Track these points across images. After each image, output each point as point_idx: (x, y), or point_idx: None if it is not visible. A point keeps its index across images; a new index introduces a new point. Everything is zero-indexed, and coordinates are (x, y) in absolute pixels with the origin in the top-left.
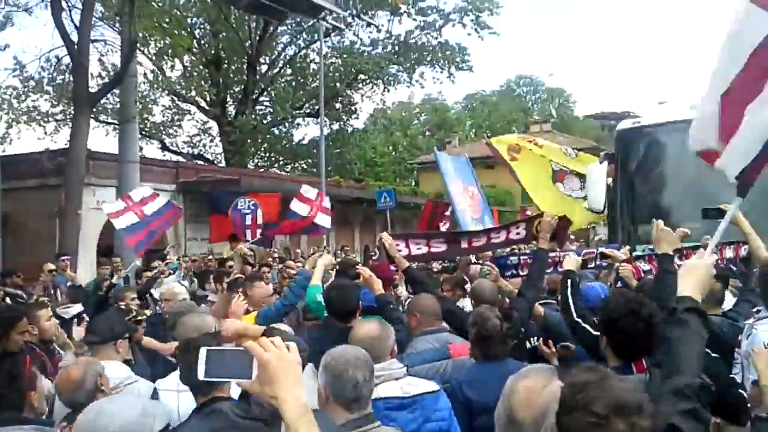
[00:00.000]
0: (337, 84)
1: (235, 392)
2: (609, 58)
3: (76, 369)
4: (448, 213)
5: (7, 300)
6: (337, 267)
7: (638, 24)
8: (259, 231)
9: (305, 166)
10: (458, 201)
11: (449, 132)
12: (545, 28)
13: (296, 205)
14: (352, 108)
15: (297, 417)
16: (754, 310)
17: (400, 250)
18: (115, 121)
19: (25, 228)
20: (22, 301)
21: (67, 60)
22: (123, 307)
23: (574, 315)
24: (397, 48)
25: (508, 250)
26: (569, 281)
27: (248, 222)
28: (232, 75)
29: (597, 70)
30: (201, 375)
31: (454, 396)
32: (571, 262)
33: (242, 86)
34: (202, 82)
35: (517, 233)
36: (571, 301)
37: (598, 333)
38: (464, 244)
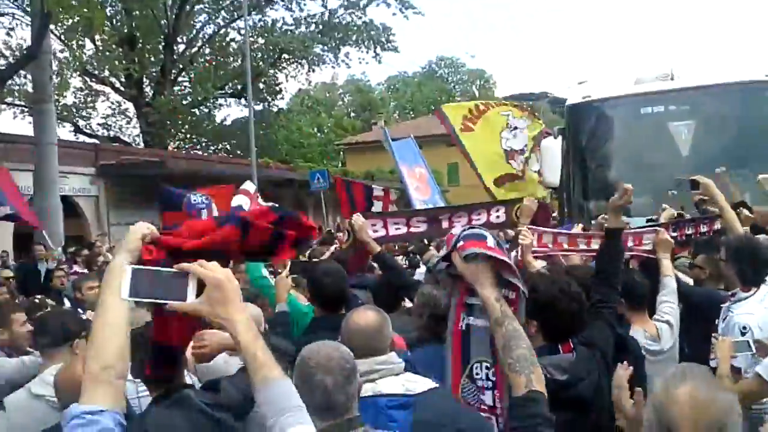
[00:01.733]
0: (261, 63)
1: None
2: (527, 39)
3: None
4: (378, 194)
5: None
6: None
7: (554, 5)
8: None
9: (229, 148)
10: (408, 182)
11: (374, 113)
12: (465, 8)
13: (239, 200)
14: (277, 88)
15: (253, 339)
16: (730, 293)
17: (376, 231)
18: (23, 103)
19: None
20: None
21: None
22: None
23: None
24: (321, 27)
25: None
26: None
27: (204, 218)
28: (148, 54)
29: (515, 52)
30: (125, 294)
31: None
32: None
33: (159, 66)
34: (116, 62)
35: (497, 216)
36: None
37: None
38: (445, 224)
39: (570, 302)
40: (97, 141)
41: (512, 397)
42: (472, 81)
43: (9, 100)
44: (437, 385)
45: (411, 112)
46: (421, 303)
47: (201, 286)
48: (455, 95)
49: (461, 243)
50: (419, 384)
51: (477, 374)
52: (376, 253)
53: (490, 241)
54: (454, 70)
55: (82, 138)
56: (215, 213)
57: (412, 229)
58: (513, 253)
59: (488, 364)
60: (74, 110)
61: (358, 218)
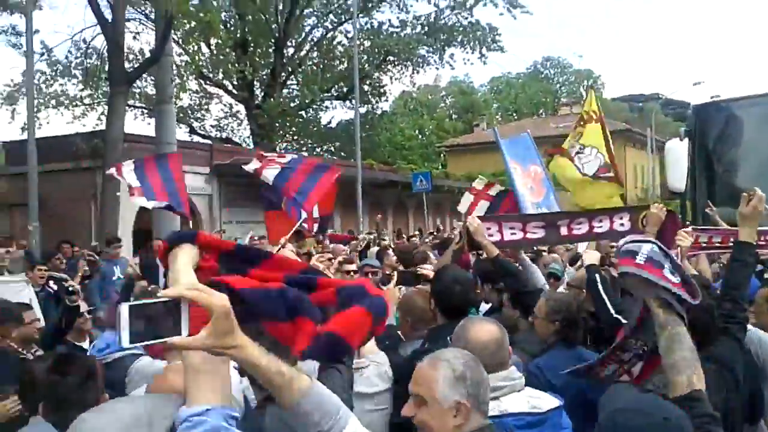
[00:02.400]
0: (366, 66)
1: None
2: (637, 39)
3: None
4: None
5: (51, 283)
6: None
7: (666, 5)
8: (316, 224)
9: (333, 150)
10: (518, 184)
11: (476, 115)
12: (573, 8)
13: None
14: (381, 90)
15: (268, 357)
16: None
17: (491, 235)
18: (144, 105)
19: (60, 212)
20: (65, 284)
21: (96, 43)
22: None
23: (612, 312)
24: (426, 29)
25: None
26: (597, 276)
27: (303, 215)
28: (258, 58)
29: (625, 52)
30: (126, 343)
31: None
32: (592, 256)
33: (269, 69)
34: (229, 65)
35: (621, 224)
36: (605, 297)
37: None
38: (564, 231)
39: (702, 314)
40: (210, 142)
41: (673, 398)
42: (580, 82)
43: (131, 102)
44: (561, 403)
45: (514, 114)
46: (554, 309)
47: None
48: (561, 96)
49: (619, 258)
50: (544, 401)
51: None
52: (494, 257)
53: (640, 257)
54: (561, 71)
55: (196, 139)
56: (316, 213)
57: (528, 235)
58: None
59: None
60: (189, 112)
61: (474, 220)
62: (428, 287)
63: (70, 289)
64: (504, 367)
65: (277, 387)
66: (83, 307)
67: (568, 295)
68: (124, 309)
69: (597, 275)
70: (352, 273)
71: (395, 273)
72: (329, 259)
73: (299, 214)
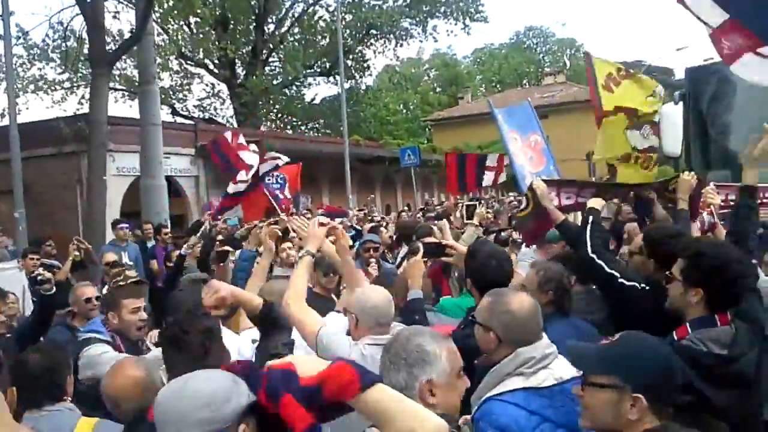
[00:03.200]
0: (349, 40)
1: None
2: (619, 6)
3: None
4: (491, 164)
5: (41, 270)
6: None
7: None
8: (291, 205)
9: (318, 127)
10: (516, 155)
11: (460, 87)
12: None
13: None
14: (365, 65)
15: None
16: None
17: (551, 200)
18: (125, 88)
19: (46, 197)
20: (59, 269)
21: (74, 24)
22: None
23: (589, 250)
24: (408, 1)
25: None
26: (590, 217)
27: (280, 197)
28: (239, 35)
29: (608, 19)
30: None
31: None
32: (596, 201)
33: (251, 47)
34: (210, 44)
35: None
36: (588, 236)
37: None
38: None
39: (738, 267)
40: (193, 122)
41: None
42: (562, 51)
43: (112, 84)
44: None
45: (498, 86)
46: (546, 278)
47: None
48: (545, 66)
49: None
50: (570, 368)
51: None
52: (561, 221)
53: None
54: (543, 40)
55: (178, 120)
56: (288, 193)
57: (579, 200)
58: (706, 217)
59: None
60: (171, 93)
61: (539, 182)
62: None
63: (40, 278)
64: (542, 335)
65: None
66: (92, 293)
67: (557, 264)
68: None
69: (590, 216)
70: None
71: (420, 245)
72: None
73: (277, 194)
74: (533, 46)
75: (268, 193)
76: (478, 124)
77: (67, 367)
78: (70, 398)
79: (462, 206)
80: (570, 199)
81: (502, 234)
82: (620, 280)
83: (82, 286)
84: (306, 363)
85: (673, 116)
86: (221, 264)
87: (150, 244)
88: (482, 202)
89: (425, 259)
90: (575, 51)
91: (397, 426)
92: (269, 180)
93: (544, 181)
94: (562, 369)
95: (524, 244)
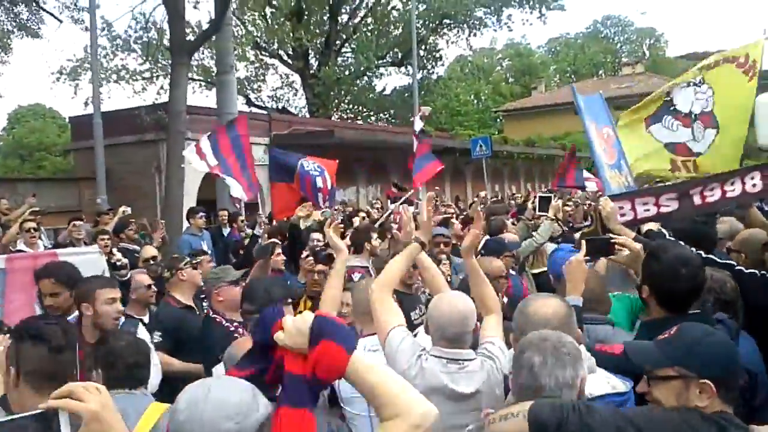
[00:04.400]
0: (422, 30)
1: None
2: None
3: None
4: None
5: (119, 255)
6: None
7: None
8: (328, 196)
9: (388, 117)
10: (596, 143)
11: (534, 78)
12: None
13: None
14: (437, 55)
15: None
16: None
17: (623, 215)
18: (201, 78)
19: (126, 184)
20: (137, 256)
21: (155, 15)
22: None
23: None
24: None
25: None
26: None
27: (319, 184)
28: (313, 26)
29: (689, 7)
30: None
31: None
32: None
33: (324, 37)
34: (285, 35)
35: (753, 185)
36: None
37: None
38: (697, 200)
39: None
40: (266, 112)
41: None
42: (641, 40)
43: (189, 74)
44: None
45: (572, 76)
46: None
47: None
48: (622, 56)
49: None
50: (617, 381)
51: None
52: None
53: None
54: (621, 29)
55: (253, 110)
56: (329, 182)
57: (662, 209)
58: None
59: None
60: (246, 83)
61: (606, 203)
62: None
63: (118, 263)
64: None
65: None
66: (146, 281)
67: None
68: None
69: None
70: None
71: (583, 242)
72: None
73: (315, 181)
74: (611, 35)
75: (302, 182)
76: (551, 115)
77: (146, 353)
78: (146, 385)
79: (535, 198)
80: (648, 210)
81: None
82: (738, 267)
83: (139, 272)
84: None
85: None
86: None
87: (225, 231)
88: (557, 194)
89: (588, 259)
90: (654, 41)
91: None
92: (307, 166)
93: (615, 197)
94: (594, 385)
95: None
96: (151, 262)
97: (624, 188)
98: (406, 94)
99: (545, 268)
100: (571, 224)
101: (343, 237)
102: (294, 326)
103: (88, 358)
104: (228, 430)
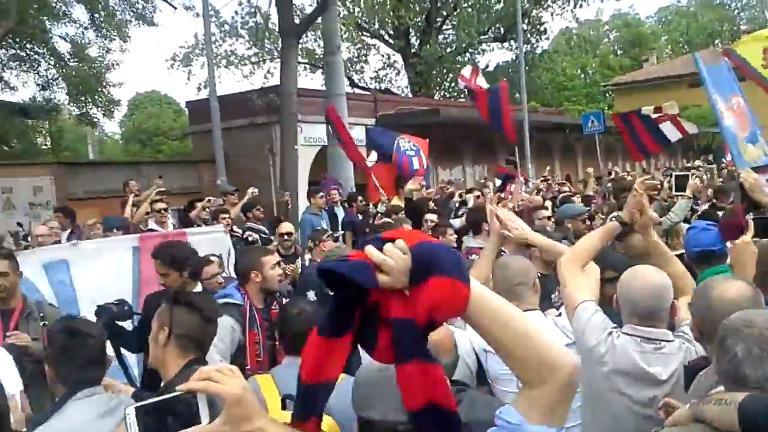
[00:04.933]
0: (525, 3)
1: None
2: None
3: None
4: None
5: (250, 232)
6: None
7: None
8: (424, 177)
9: None
10: (724, 118)
11: (644, 49)
12: None
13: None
14: (541, 29)
15: None
16: None
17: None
18: (306, 61)
19: (241, 166)
20: (265, 236)
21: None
22: None
23: None
24: None
25: None
26: None
27: (415, 165)
28: (413, 4)
29: None
30: None
31: None
32: None
33: (425, 15)
34: (385, 14)
35: None
36: None
37: None
38: None
39: None
40: (369, 93)
41: None
42: (763, 5)
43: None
44: None
45: (685, 46)
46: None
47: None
48: (740, 24)
49: None
50: None
51: None
52: None
53: None
54: None
55: (357, 91)
56: (424, 162)
57: None
58: None
59: None
60: (349, 65)
61: (748, 175)
62: None
63: (250, 239)
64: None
65: None
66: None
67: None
68: (130, 411)
69: None
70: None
71: (750, 221)
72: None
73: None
74: (727, 1)
75: (400, 161)
76: (664, 88)
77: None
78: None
79: (672, 177)
80: None
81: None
82: None
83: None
84: None
85: None
86: None
87: (338, 210)
88: (694, 172)
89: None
90: None
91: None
92: (403, 146)
93: (758, 169)
94: None
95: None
96: (285, 237)
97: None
98: (511, 70)
99: (682, 251)
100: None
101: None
102: (393, 257)
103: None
104: None
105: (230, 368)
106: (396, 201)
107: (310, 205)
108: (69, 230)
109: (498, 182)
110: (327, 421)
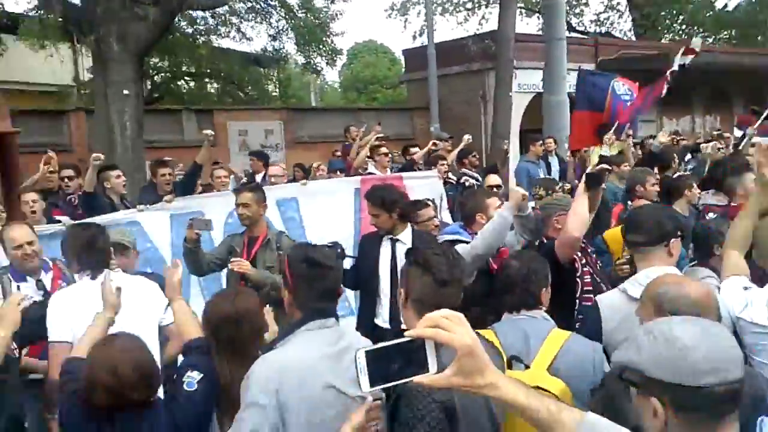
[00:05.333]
0: None
1: None
2: None
3: None
4: None
5: (465, 180)
6: None
7: None
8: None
9: (727, 38)
10: None
11: None
12: None
13: None
14: None
15: (533, 395)
16: None
17: None
18: (523, 5)
19: (453, 114)
20: (479, 183)
21: None
22: None
23: None
24: None
25: None
26: None
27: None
28: None
29: None
30: (366, 388)
31: None
32: None
33: None
34: None
35: None
36: None
37: None
38: None
39: None
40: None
41: None
42: None
43: None
44: None
45: None
46: None
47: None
48: None
49: None
50: None
51: None
52: None
53: None
54: None
55: (574, 36)
56: (637, 109)
57: None
58: None
59: None
60: (568, 7)
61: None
62: None
63: (467, 184)
64: None
65: (545, 426)
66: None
67: None
68: (361, 355)
69: None
70: None
71: None
72: None
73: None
74: None
75: (613, 107)
76: None
77: (544, 278)
78: (545, 308)
79: None
80: None
81: None
82: None
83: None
84: None
85: None
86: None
87: (552, 160)
88: None
89: None
90: None
91: None
92: (618, 90)
93: None
94: None
95: None
96: (494, 189)
97: None
98: (755, 10)
99: None
100: None
101: None
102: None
103: None
104: None
105: (457, 315)
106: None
107: (527, 152)
108: (262, 173)
109: (738, 133)
110: (557, 385)
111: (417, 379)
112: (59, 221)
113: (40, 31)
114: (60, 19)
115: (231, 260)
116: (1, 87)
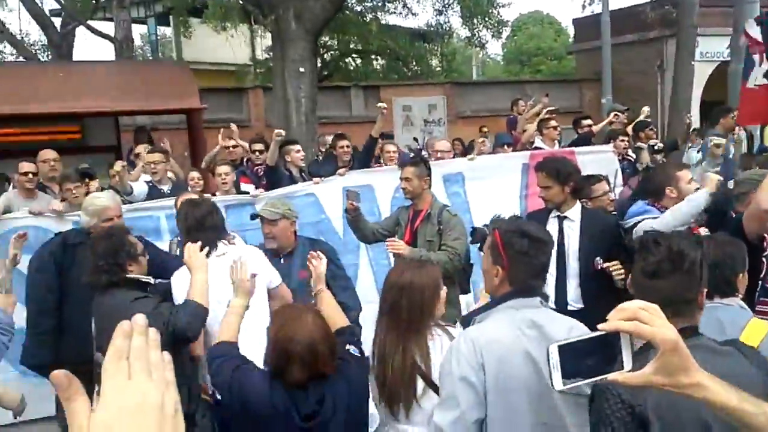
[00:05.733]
0: None
1: None
2: None
3: None
4: None
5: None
6: None
7: None
8: None
9: None
10: None
11: None
12: None
13: None
14: None
15: (730, 393)
16: None
17: None
18: None
19: (626, 84)
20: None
21: None
22: None
23: None
24: None
25: None
26: None
27: None
28: None
29: None
30: (559, 385)
31: None
32: None
33: None
34: None
35: None
36: None
37: None
38: None
39: None
40: None
41: None
42: None
43: None
44: None
45: None
46: None
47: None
48: None
49: None
50: None
51: None
52: None
53: None
54: None
55: None
56: None
57: None
58: None
59: None
60: None
61: None
62: None
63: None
64: None
65: (757, 430)
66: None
67: None
68: (553, 349)
69: None
70: None
71: None
72: None
73: None
74: None
75: None
76: None
77: (741, 262)
78: (741, 295)
79: None
80: None
81: None
82: None
83: None
84: None
85: None
86: None
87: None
88: None
89: None
90: None
91: None
92: None
93: None
94: None
95: None
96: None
97: None
98: None
99: None
100: None
101: None
102: None
103: None
104: None
105: (654, 307)
106: None
107: (711, 126)
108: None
109: None
110: None
111: (611, 376)
112: (247, 192)
113: (224, 13)
114: (240, 2)
115: (387, 241)
116: (192, 68)
